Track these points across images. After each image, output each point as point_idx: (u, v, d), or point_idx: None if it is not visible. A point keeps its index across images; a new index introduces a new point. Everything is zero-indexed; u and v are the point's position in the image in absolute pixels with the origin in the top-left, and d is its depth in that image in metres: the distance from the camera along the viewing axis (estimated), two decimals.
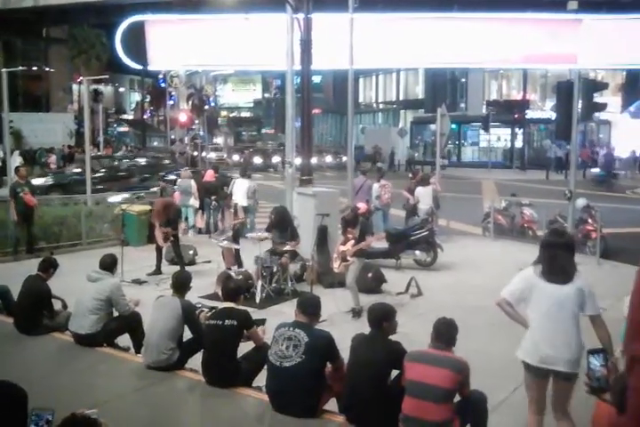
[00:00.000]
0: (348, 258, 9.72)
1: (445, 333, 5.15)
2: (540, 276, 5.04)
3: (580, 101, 13.51)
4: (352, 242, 9.75)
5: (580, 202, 14.30)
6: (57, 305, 8.27)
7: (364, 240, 9.76)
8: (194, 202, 16.36)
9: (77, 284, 7.83)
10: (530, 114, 45.54)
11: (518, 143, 46.25)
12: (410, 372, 5.04)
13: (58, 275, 8.28)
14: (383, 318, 5.52)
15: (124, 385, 6.50)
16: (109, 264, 7.71)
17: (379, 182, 16.00)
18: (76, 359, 7.08)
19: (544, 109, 45.64)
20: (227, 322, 6.18)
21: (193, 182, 16.50)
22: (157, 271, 11.99)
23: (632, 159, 38.68)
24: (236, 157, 47.01)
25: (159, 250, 12.24)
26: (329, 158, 45.60)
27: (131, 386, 6.47)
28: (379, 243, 12.22)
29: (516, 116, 44.15)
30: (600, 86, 17.92)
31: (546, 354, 4.96)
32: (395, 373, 5.37)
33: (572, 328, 4.94)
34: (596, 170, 20.14)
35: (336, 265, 10.03)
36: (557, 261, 5.03)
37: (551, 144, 41.39)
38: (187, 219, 16.40)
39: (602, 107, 16.58)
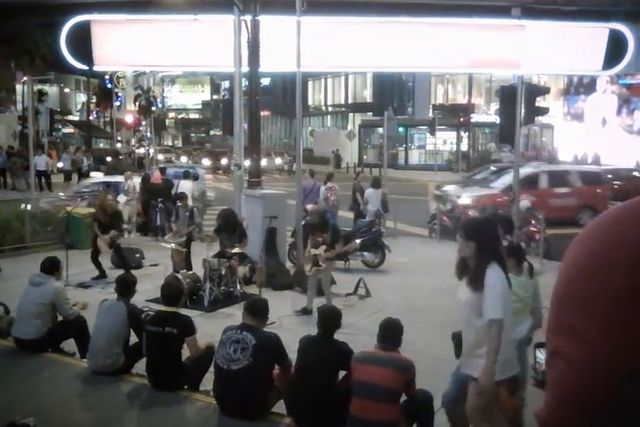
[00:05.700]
0: (321, 263, 9.52)
1: (391, 333, 5.21)
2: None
3: (523, 105, 13.74)
4: (323, 246, 9.59)
5: (524, 204, 14.58)
6: None
7: (334, 244, 9.66)
8: (130, 203, 16.24)
9: (21, 288, 7.66)
10: (475, 118, 46.27)
11: (464, 146, 47.00)
12: (356, 373, 5.09)
13: (0, 279, 8.09)
14: (333, 322, 5.58)
15: (68, 391, 6.39)
16: (50, 267, 7.55)
17: (326, 185, 16.11)
18: (20, 366, 6.93)
19: (489, 113, 46.39)
20: (166, 329, 6.05)
21: (133, 184, 16.42)
22: (102, 275, 11.76)
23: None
24: (184, 159, 46.76)
25: (94, 257, 11.93)
26: (278, 160, 45.54)
27: (76, 391, 6.37)
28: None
29: (462, 119, 44.86)
30: (542, 91, 18.28)
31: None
32: (342, 374, 5.42)
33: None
34: None
35: (307, 268, 9.81)
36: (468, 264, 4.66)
37: (495, 147, 42.17)
38: (130, 219, 16.31)
39: (544, 111, 16.94)
